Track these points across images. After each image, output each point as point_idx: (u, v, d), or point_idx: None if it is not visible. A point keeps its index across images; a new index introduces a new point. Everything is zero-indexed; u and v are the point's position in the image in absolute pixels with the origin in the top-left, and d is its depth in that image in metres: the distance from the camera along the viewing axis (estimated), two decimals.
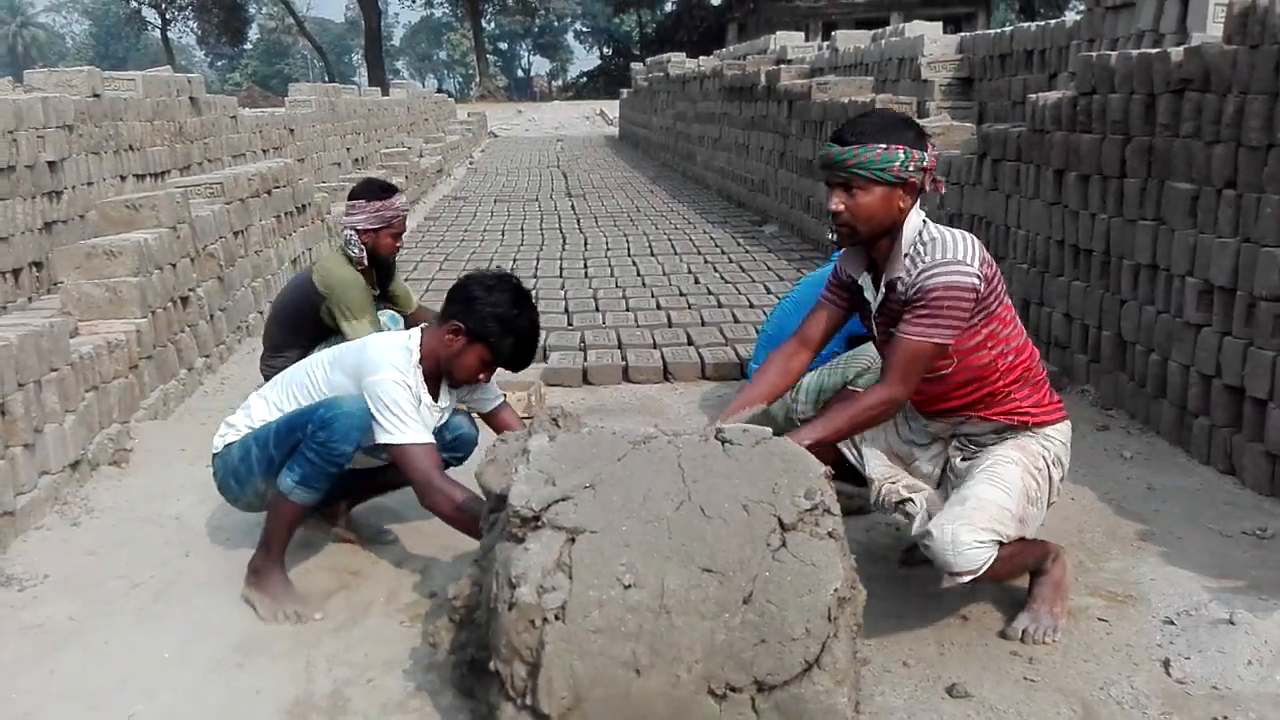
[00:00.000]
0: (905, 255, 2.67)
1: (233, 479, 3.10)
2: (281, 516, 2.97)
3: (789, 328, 3.56)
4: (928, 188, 2.69)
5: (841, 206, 2.66)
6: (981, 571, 2.55)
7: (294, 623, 2.90)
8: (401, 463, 2.92)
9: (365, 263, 4.34)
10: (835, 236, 2.75)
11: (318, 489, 2.95)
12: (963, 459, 2.84)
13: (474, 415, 3.33)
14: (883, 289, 2.75)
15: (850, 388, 3.65)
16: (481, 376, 3.09)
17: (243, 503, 3.16)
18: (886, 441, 2.95)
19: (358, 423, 2.89)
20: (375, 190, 4.39)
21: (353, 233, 4.33)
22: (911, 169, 2.62)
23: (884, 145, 2.60)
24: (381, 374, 2.92)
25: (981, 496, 2.62)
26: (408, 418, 2.90)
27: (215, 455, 3.16)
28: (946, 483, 2.87)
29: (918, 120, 2.65)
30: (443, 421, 3.16)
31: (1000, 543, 2.57)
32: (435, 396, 3.09)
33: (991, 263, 2.69)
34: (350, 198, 4.45)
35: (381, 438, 2.90)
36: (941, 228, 2.69)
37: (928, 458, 2.92)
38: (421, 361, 3.02)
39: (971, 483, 2.68)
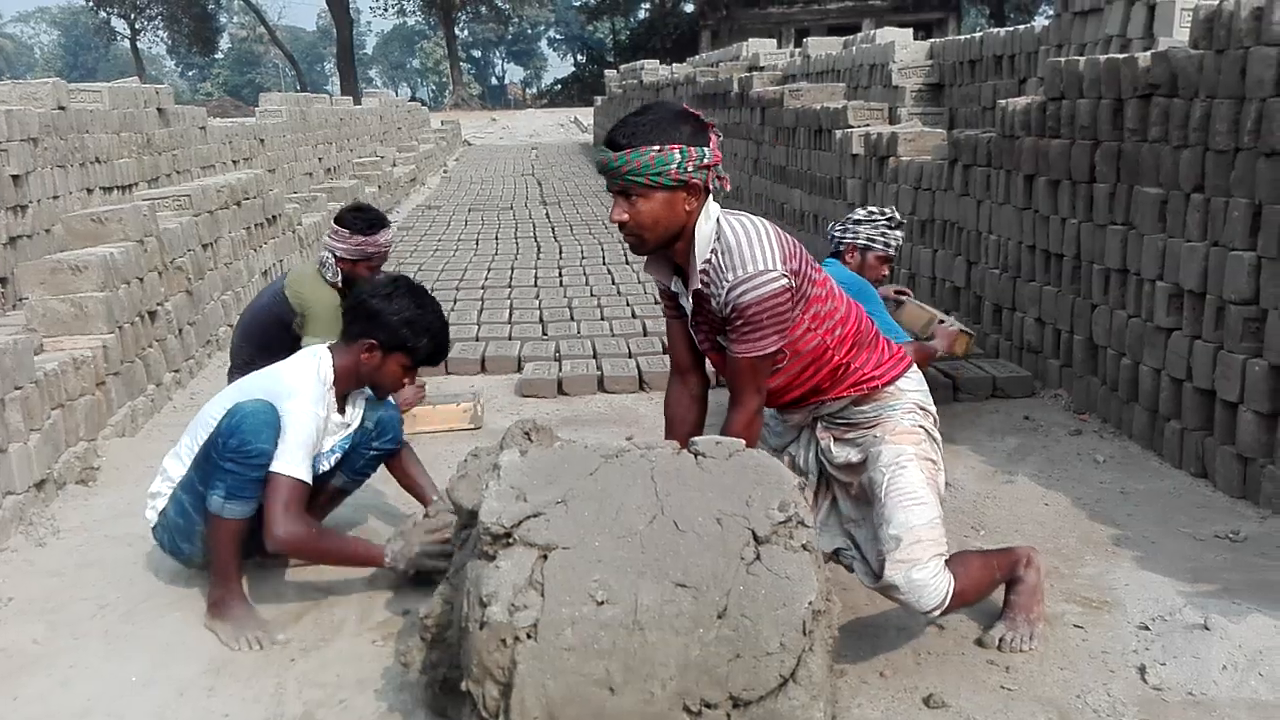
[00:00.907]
0: (705, 260, 2.54)
1: (180, 539, 3.06)
2: (224, 539, 2.92)
3: None
4: (712, 186, 2.52)
5: (625, 216, 2.50)
6: (948, 601, 2.57)
7: (257, 648, 2.85)
8: (269, 486, 2.89)
9: (340, 285, 4.25)
10: (628, 246, 2.62)
11: (248, 498, 2.90)
12: (835, 440, 2.79)
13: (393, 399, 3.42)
14: (691, 297, 2.63)
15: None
16: (406, 380, 3.17)
17: (199, 559, 3.08)
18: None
19: (266, 418, 2.87)
20: (363, 224, 4.25)
21: (330, 256, 4.25)
22: (690, 169, 2.45)
23: (658, 147, 2.42)
24: (294, 401, 2.92)
25: (906, 525, 2.58)
26: (299, 449, 2.90)
27: (153, 529, 3.12)
28: (824, 473, 2.84)
29: (698, 115, 2.54)
30: (348, 434, 3.20)
31: (945, 560, 2.60)
32: (341, 411, 3.15)
33: (794, 250, 2.56)
34: (337, 221, 4.30)
35: (273, 464, 2.88)
36: (736, 224, 2.54)
37: (800, 448, 2.87)
38: (336, 382, 3.06)
39: (886, 509, 2.62)
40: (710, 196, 2.56)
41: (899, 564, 2.55)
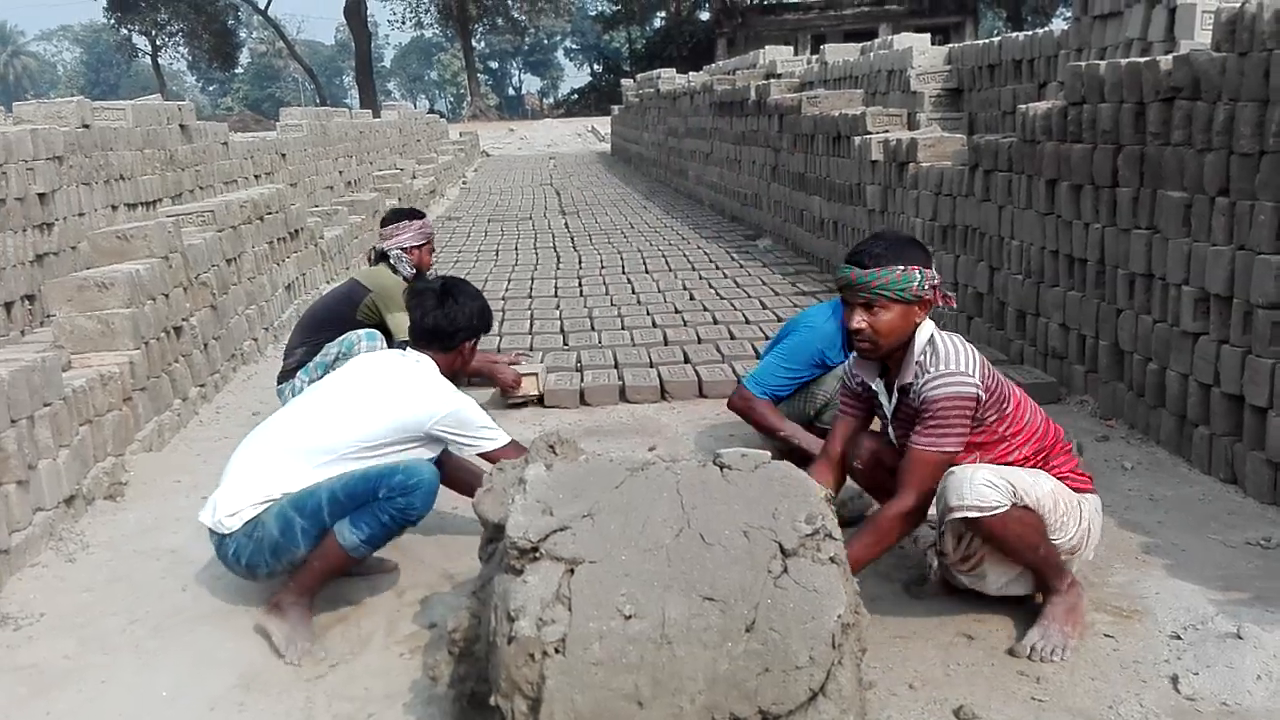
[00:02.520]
0: (915, 362, 2.82)
1: (268, 553, 2.97)
2: (333, 568, 3.01)
3: (771, 383, 4.01)
4: (939, 302, 2.86)
5: (864, 324, 2.81)
6: (990, 511, 2.64)
7: (299, 660, 2.86)
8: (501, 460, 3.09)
9: (412, 279, 4.78)
10: (855, 353, 2.92)
11: (377, 547, 3.05)
12: None
13: None
14: (895, 394, 2.91)
15: (817, 424, 3.96)
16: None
17: (265, 575, 3.06)
18: None
19: (434, 488, 3.02)
20: (409, 213, 5.04)
21: (401, 251, 4.88)
22: (926, 287, 2.80)
23: (902, 267, 2.77)
24: (453, 403, 3.17)
25: (1009, 471, 2.75)
26: (493, 422, 3.25)
27: (225, 535, 3.01)
28: None
29: (921, 241, 3.04)
30: None
31: (1015, 503, 2.68)
32: None
33: (992, 371, 2.84)
34: (385, 224, 5.01)
35: (480, 449, 3.22)
36: (948, 339, 2.83)
37: None
38: None
39: None
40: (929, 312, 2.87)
41: (972, 465, 2.72)
